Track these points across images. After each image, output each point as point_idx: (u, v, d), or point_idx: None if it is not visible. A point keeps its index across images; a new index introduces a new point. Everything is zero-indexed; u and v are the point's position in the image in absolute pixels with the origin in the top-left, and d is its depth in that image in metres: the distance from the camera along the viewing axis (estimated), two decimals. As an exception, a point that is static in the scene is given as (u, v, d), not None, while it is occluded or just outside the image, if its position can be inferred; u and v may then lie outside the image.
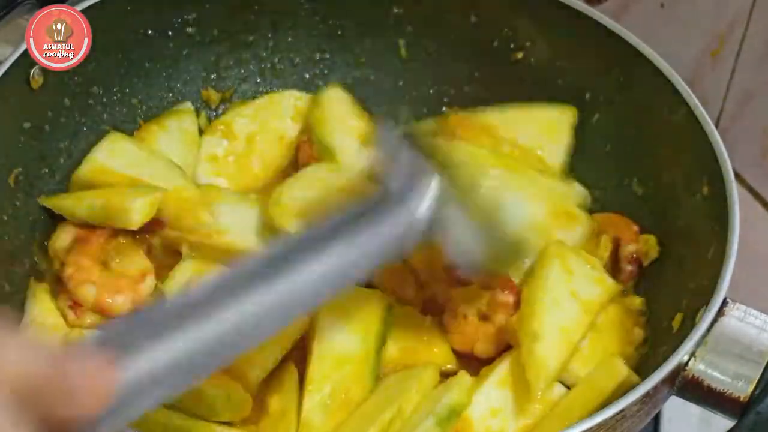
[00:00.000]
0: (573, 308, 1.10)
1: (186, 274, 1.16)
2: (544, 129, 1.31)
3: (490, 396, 1.07)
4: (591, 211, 1.27)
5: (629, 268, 1.20)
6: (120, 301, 1.13)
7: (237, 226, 1.19)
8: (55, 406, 0.63)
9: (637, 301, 1.17)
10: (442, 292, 1.15)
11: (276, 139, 1.35)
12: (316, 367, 1.08)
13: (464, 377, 1.06)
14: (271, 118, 1.36)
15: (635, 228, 1.22)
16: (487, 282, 1.11)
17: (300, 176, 1.25)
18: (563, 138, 1.31)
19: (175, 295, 0.82)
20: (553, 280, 1.11)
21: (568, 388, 1.08)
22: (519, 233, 1.11)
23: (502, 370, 1.08)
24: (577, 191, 1.28)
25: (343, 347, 1.09)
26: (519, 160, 1.28)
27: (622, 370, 1.06)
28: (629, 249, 1.20)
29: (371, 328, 1.12)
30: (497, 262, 1.07)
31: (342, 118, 1.33)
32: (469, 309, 1.11)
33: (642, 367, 1.08)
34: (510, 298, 1.12)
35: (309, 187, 1.21)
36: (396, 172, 0.97)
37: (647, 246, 1.20)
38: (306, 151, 1.32)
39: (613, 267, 1.20)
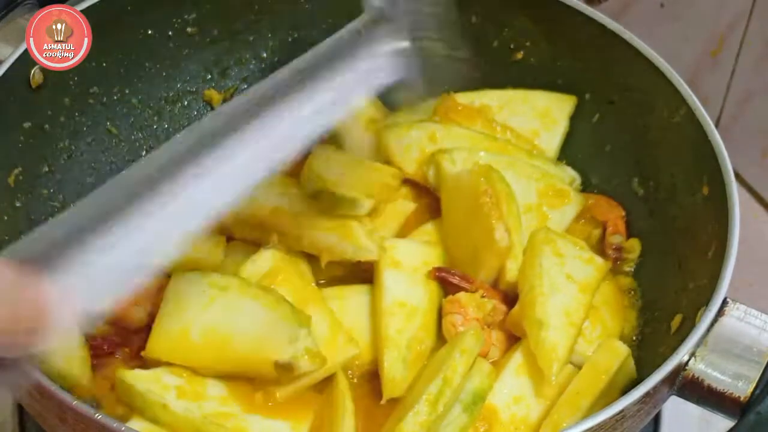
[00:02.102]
0: (571, 291, 1.11)
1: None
2: (541, 115, 1.31)
3: (509, 384, 1.08)
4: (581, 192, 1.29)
5: (613, 255, 1.22)
6: (138, 314, 1.13)
7: None
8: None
9: (626, 281, 1.21)
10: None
11: None
12: (389, 323, 1.10)
13: (483, 364, 1.06)
14: None
15: (622, 212, 1.25)
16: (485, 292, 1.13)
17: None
18: (559, 125, 1.31)
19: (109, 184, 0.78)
20: (547, 266, 1.12)
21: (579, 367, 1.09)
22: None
23: (516, 360, 1.09)
24: (568, 173, 1.29)
25: (411, 300, 1.12)
26: (510, 143, 1.28)
27: (622, 350, 1.08)
28: (615, 239, 1.23)
29: (431, 280, 1.15)
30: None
31: None
32: (477, 310, 1.12)
33: (642, 368, 1.08)
34: (504, 307, 1.14)
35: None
36: None
37: (631, 249, 1.22)
38: None
39: (599, 251, 1.22)
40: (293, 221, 1.17)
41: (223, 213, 0.81)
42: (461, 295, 1.13)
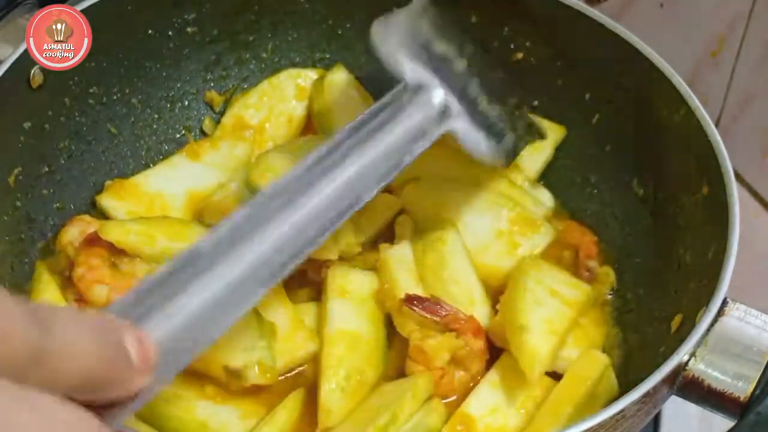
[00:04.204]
0: (555, 304, 1.11)
1: None
2: None
3: (485, 395, 1.08)
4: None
5: (586, 274, 1.22)
6: (101, 293, 1.13)
7: None
8: (106, 392, 0.63)
9: (607, 278, 1.22)
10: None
11: (285, 122, 1.36)
12: (330, 352, 1.09)
13: (438, 404, 1.07)
14: (276, 102, 1.36)
15: (594, 237, 1.25)
16: (456, 326, 1.09)
17: (290, 143, 1.27)
18: (543, 152, 1.32)
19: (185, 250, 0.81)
20: (531, 285, 1.12)
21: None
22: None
23: (493, 375, 1.10)
24: (544, 198, 1.30)
25: (354, 330, 1.11)
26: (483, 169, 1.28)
27: (602, 360, 1.08)
28: (588, 263, 1.22)
29: (378, 311, 1.14)
30: (510, 151, 1.14)
31: (346, 106, 1.33)
32: (443, 358, 1.09)
33: (641, 367, 1.08)
34: (481, 343, 1.10)
35: (296, 154, 1.21)
36: (405, 61, 1.03)
37: (604, 277, 1.22)
38: (312, 133, 1.35)
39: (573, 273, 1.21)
40: None
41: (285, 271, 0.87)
42: (428, 343, 1.08)
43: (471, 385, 1.10)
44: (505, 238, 1.21)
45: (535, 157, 1.32)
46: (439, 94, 1.03)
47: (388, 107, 1.00)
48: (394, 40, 1.05)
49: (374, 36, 1.06)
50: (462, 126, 1.05)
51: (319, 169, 0.92)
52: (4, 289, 0.58)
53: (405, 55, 1.04)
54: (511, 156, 1.16)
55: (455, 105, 1.04)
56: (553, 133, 1.32)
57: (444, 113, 1.03)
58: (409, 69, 1.03)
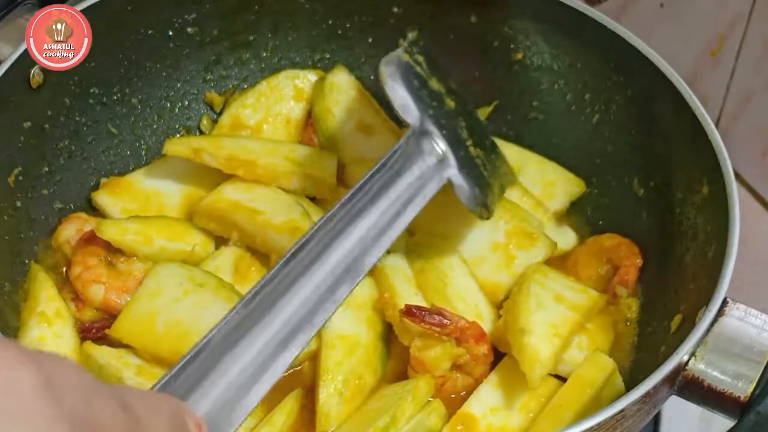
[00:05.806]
0: (559, 309, 1.11)
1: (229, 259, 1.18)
2: (545, 184, 1.30)
3: (488, 396, 1.08)
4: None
5: (610, 299, 1.19)
6: (98, 293, 1.14)
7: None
8: None
9: (628, 310, 1.19)
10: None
11: (283, 123, 1.35)
12: (328, 356, 1.09)
13: (440, 406, 1.07)
14: (274, 103, 1.36)
15: (638, 260, 1.21)
16: (459, 335, 1.09)
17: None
18: (555, 202, 1.29)
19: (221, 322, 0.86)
20: (536, 289, 1.11)
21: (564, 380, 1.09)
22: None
23: (494, 377, 1.10)
24: (567, 236, 1.27)
25: (352, 334, 1.11)
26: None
27: (608, 364, 1.08)
28: (619, 290, 1.19)
29: (377, 315, 1.13)
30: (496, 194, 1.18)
31: (346, 107, 1.33)
32: (444, 367, 1.09)
33: (641, 367, 1.08)
34: (485, 348, 1.10)
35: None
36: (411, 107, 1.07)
37: (627, 308, 1.19)
38: (309, 134, 1.34)
39: (600, 287, 1.20)
40: (249, 218, 1.18)
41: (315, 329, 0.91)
42: (427, 355, 1.08)
43: (475, 387, 1.10)
44: (501, 250, 1.20)
45: (550, 203, 1.29)
46: (441, 141, 1.07)
47: (397, 156, 1.04)
48: (400, 84, 1.07)
49: (384, 78, 1.07)
50: (455, 174, 1.08)
51: (333, 230, 0.95)
52: (88, 373, 0.60)
53: (412, 100, 1.07)
54: (490, 207, 1.15)
55: (450, 152, 1.08)
56: (572, 186, 1.30)
57: (443, 162, 1.07)
58: (416, 114, 1.06)
